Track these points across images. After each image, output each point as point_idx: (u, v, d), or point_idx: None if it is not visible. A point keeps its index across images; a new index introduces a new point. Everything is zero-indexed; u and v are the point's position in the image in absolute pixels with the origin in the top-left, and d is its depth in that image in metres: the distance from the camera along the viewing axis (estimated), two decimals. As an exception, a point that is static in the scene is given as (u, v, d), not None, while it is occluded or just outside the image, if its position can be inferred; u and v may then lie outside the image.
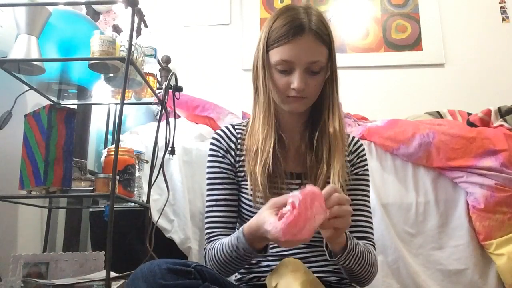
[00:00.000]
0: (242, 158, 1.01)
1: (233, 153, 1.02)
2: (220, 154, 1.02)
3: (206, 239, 0.99)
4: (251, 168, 0.96)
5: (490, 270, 1.49)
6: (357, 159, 1.04)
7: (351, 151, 1.05)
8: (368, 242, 0.99)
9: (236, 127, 1.06)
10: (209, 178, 1.02)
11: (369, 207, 1.02)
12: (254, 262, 0.99)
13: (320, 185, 0.92)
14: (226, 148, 1.02)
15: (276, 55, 0.92)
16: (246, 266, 0.99)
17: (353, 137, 1.09)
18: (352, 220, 0.89)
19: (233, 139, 1.03)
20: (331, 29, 0.95)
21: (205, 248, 0.97)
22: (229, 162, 1.01)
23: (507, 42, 2.59)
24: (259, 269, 0.97)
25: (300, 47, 0.90)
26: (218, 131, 1.06)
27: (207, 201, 1.01)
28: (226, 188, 1.00)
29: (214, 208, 0.99)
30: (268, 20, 0.96)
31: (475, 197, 1.50)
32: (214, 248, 0.92)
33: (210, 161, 1.03)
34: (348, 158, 1.03)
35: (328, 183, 0.92)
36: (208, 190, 1.01)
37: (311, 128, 1.01)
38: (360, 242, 0.92)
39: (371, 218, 1.02)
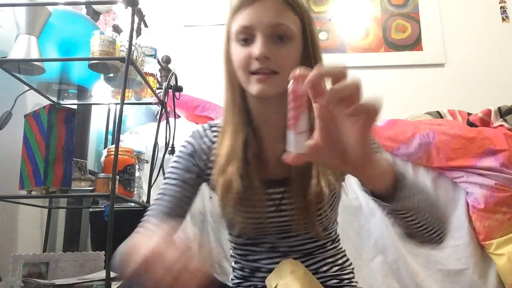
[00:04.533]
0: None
1: (204, 157, 0.88)
2: (186, 152, 0.89)
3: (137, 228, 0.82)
4: (215, 179, 0.82)
5: (490, 270, 1.49)
6: None
7: None
8: None
9: (213, 128, 0.92)
10: (167, 173, 0.90)
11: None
12: (247, 271, 0.92)
13: (310, 194, 0.79)
14: (195, 149, 0.89)
15: (236, 24, 0.79)
16: (242, 274, 0.92)
17: None
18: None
19: (207, 141, 0.90)
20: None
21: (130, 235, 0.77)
22: (195, 164, 0.88)
23: (507, 42, 2.59)
24: (255, 279, 0.91)
25: (260, 9, 0.77)
26: (194, 130, 0.93)
27: (157, 193, 0.87)
28: (178, 185, 0.86)
29: (157, 202, 0.85)
30: None
31: (475, 197, 1.50)
32: (135, 241, 0.65)
33: (175, 155, 0.91)
34: None
35: (321, 190, 0.78)
36: (162, 184, 0.89)
37: None
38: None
39: None
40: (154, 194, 1.56)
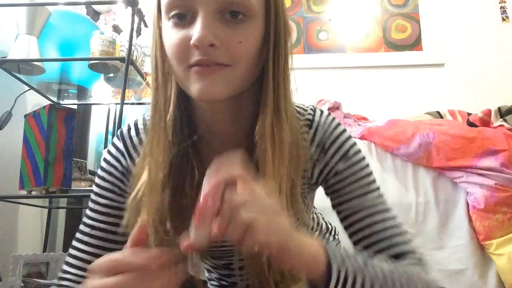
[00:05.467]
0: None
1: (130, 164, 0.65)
2: (114, 164, 0.67)
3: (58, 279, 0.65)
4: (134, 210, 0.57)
5: (490, 270, 1.49)
6: (330, 149, 0.64)
7: (318, 144, 0.64)
8: (398, 254, 0.62)
9: (139, 127, 0.68)
10: (93, 193, 0.68)
11: (380, 204, 0.64)
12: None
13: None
14: (121, 155, 0.67)
15: None
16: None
17: (318, 121, 0.65)
18: (354, 232, 0.61)
19: (136, 141, 0.67)
20: None
21: None
22: (122, 178, 0.66)
23: (507, 42, 2.59)
24: None
25: None
26: (119, 131, 0.70)
27: (81, 223, 0.67)
28: (110, 214, 0.65)
29: (85, 239, 0.65)
30: None
31: (475, 197, 1.50)
32: None
33: (100, 168, 0.69)
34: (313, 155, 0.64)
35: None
36: (88, 210, 0.68)
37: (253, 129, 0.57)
38: (381, 261, 0.55)
39: (390, 219, 0.63)
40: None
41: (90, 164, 1.91)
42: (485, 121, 1.75)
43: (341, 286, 0.49)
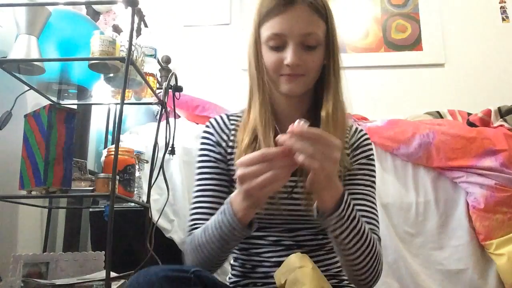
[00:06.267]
0: (234, 150, 0.93)
1: (224, 144, 0.94)
2: (211, 143, 0.95)
3: (189, 231, 0.89)
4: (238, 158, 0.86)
5: (490, 270, 1.49)
6: (358, 149, 0.94)
7: (352, 144, 0.94)
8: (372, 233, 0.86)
9: (230, 117, 0.98)
10: (198, 168, 0.95)
11: (373, 198, 0.91)
12: (249, 266, 0.92)
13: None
14: (217, 139, 0.95)
15: (267, 30, 0.84)
16: (242, 270, 0.93)
17: (356, 128, 0.98)
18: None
19: (226, 130, 0.96)
20: (327, 2, 0.87)
21: (185, 243, 0.88)
22: (220, 152, 0.94)
23: (507, 42, 2.59)
24: (255, 275, 0.92)
25: (292, 18, 0.82)
26: (211, 120, 0.99)
27: (195, 191, 0.93)
28: (215, 178, 0.92)
29: (201, 199, 0.91)
30: None
31: (475, 197, 1.50)
32: (196, 233, 0.84)
33: (201, 149, 0.96)
34: (347, 152, 0.92)
35: None
36: (196, 180, 0.94)
37: (314, 119, 0.86)
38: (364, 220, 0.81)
39: (375, 210, 0.90)
40: (154, 194, 1.57)
41: (90, 164, 1.91)
42: (485, 121, 1.75)
43: (343, 211, 0.75)
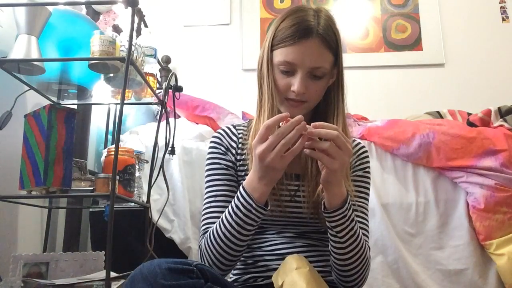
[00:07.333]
0: (243, 157, 0.99)
1: (234, 151, 0.99)
2: (221, 151, 1.00)
3: (202, 234, 0.93)
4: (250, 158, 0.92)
5: (490, 270, 1.49)
6: (357, 161, 1.01)
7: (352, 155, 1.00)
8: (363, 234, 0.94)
9: (237, 127, 1.05)
10: (208, 175, 0.99)
11: (366, 210, 0.98)
12: (250, 262, 0.95)
13: (319, 185, 0.89)
14: (227, 146, 1.00)
15: (280, 55, 0.90)
16: (243, 267, 0.96)
17: (358, 143, 1.06)
18: None
19: (234, 138, 1.02)
20: (339, 35, 0.93)
21: (199, 246, 0.92)
22: (230, 160, 0.99)
23: (507, 42, 2.59)
24: (256, 269, 0.94)
25: (305, 50, 0.88)
26: (219, 130, 1.05)
27: (206, 197, 0.97)
28: (226, 184, 0.97)
29: (213, 204, 0.95)
30: (277, 19, 0.94)
31: (475, 197, 1.50)
32: (211, 229, 0.88)
33: (210, 158, 1.01)
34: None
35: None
36: (208, 186, 0.98)
37: None
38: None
39: (366, 221, 0.97)
40: (154, 194, 1.57)
41: (90, 164, 1.91)
42: (485, 121, 1.75)
43: (347, 210, 0.83)
